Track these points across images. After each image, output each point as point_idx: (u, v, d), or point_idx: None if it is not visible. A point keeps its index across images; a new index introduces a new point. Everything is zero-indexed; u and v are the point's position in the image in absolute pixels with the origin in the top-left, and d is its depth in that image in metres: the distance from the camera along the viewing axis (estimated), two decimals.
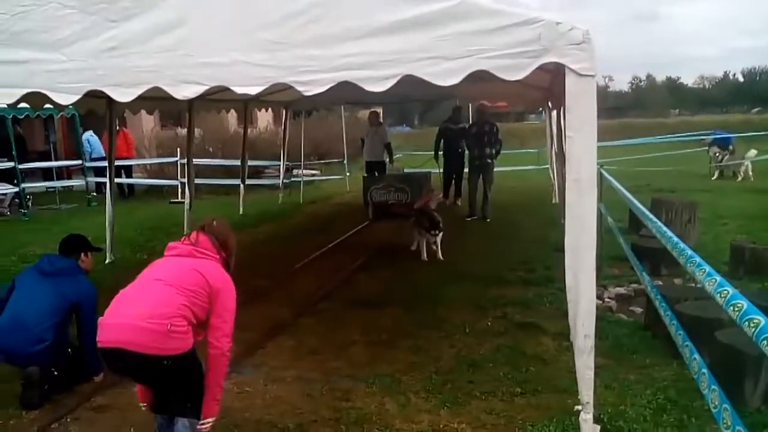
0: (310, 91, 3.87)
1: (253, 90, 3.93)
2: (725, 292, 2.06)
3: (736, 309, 1.92)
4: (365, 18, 3.74)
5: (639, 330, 5.67)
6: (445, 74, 3.70)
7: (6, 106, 7.97)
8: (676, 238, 2.99)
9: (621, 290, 7.01)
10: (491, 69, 3.66)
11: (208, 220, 3.80)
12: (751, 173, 17.29)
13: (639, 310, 6.25)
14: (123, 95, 4.05)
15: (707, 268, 2.38)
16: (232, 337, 3.44)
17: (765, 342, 1.71)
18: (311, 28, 3.80)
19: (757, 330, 1.75)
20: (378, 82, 3.79)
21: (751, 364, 4.07)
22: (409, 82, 3.70)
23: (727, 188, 15.51)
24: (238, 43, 3.87)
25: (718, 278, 2.20)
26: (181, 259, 3.55)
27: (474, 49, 3.65)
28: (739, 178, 17.24)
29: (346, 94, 4.42)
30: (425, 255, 8.56)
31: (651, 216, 3.89)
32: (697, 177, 17.92)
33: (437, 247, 8.60)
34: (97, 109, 8.19)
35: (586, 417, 3.66)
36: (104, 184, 15.48)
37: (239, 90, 3.95)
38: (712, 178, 17.72)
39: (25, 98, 4.26)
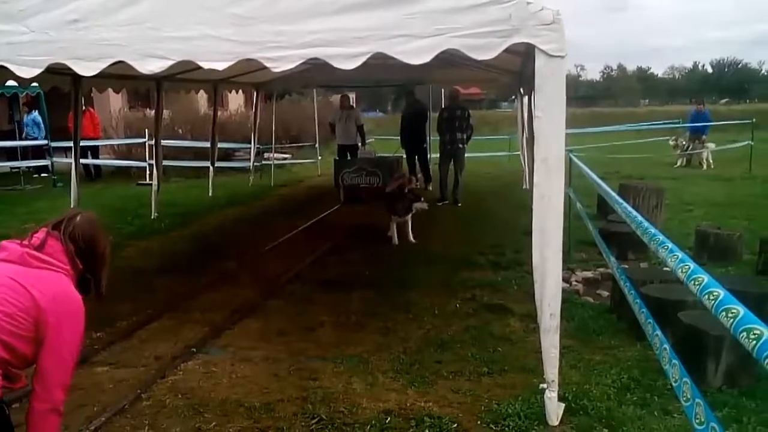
0: (278, 67, 3.81)
1: (221, 65, 3.86)
2: (700, 278, 2.06)
3: (712, 297, 1.90)
4: None
5: (605, 313, 5.75)
6: (415, 52, 3.67)
7: None
8: (646, 224, 3.02)
9: (588, 274, 7.09)
10: (461, 48, 3.64)
11: (70, 214, 2.66)
12: (711, 162, 17.67)
13: (605, 293, 6.34)
14: (86, 69, 3.95)
15: (680, 254, 2.40)
16: (67, 387, 2.45)
17: (744, 333, 1.71)
18: (281, 4, 3.74)
19: (736, 321, 1.74)
20: (347, 60, 3.75)
21: (713, 344, 4.15)
22: (381, 65, 3.67)
23: (693, 176, 15.79)
24: (205, 18, 3.79)
25: (692, 265, 2.21)
26: (4, 266, 2.43)
27: (444, 28, 3.63)
28: (704, 167, 17.59)
29: (319, 77, 4.36)
30: (396, 239, 8.55)
31: (620, 200, 3.93)
32: (664, 165, 18.19)
33: (408, 229, 8.59)
34: (62, 86, 7.98)
35: (551, 395, 3.70)
36: (49, 165, 15.35)
37: (206, 65, 3.88)
38: (674, 166, 18.04)
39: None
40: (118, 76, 7.66)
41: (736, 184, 14.07)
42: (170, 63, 3.88)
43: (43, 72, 4.15)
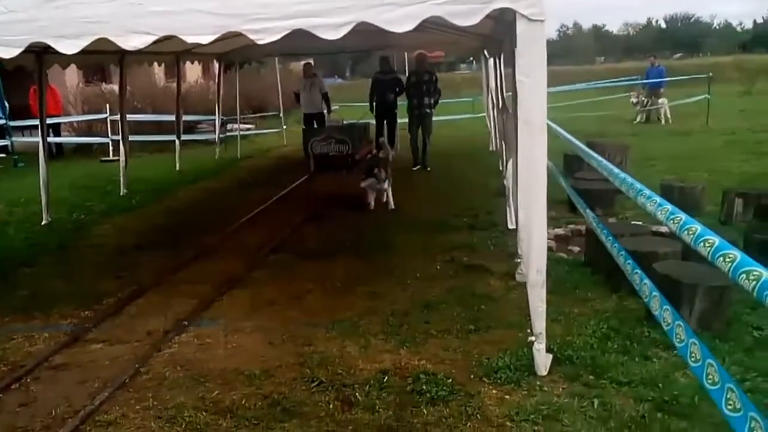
0: (262, 39, 3.83)
1: (205, 39, 3.87)
2: (693, 229, 2.20)
3: (707, 244, 2.03)
4: None
5: (579, 267, 5.97)
6: (399, 20, 3.73)
7: None
8: (630, 179, 3.17)
9: (559, 231, 7.30)
10: (444, 15, 3.71)
11: None
12: (669, 116, 18.09)
13: (577, 249, 6.56)
14: (68, 47, 3.92)
15: (669, 206, 2.54)
16: None
17: (744, 276, 1.83)
18: None
19: (734, 265, 1.87)
20: (332, 30, 3.79)
21: (686, 292, 4.38)
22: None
23: (653, 131, 16.17)
24: None
25: (684, 216, 2.34)
26: None
27: None
28: (663, 122, 18.00)
29: (281, 45, 4.31)
30: (372, 204, 8.65)
31: (599, 158, 4.07)
32: (624, 122, 18.57)
33: (388, 195, 8.71)
34: (26, 65, 7.78)
35: (539, 347, 3.89)
36: (6, 146, 14.96)
37: (190, 39, 3.88)
38: (634, 123, 18.41)
39: None
40: (82, 51, 7.51)
41: (694, 138, 14.48)
42: (153, 38, 3.88)
43: None
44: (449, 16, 3.71)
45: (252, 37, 3.84)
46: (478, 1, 3.67)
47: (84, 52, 4.69)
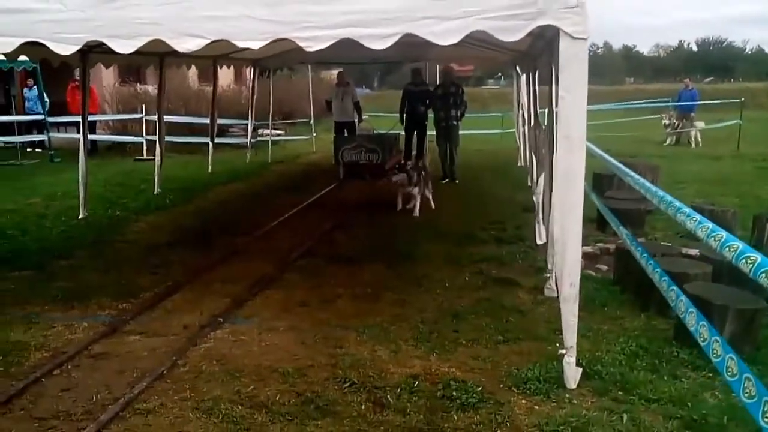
0: (311, 47, 3.94)
1: (256, 45, 3.99)
2: (735, 246, 2.25)
3: (750, 261, 2.08)
4: None
5: (608, 285, 5.99)
6: (444, 33, 3.83)
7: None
8: (669, 197, 3.21)
9: (588, 249, 7.30)
10: (488, 30, 3.80)
11: None
12: (700, 140, 17.98)
13: (605, 267, 6.59)
14: (123, 47, 4.06)
15: (710, 224, 2.59)
16: None
17: None
18: None
19: None
20: (378, 40, 3.89)
21: (717, 313, 4.38)
22: None
23: (682, 154, 16.08)
24: None
25: (725, 234, 2.39)
26: None
27: (472, 10, 3.79)
28: (693, 145, 17.90)
29: (315, 52, 4.43)
30: (400, 205, 9.05)
31: (638, 177, 4.12)
32: (654, 143, 18.50)
33: (416, 204, 8.99)
34: (53, 60, 7.97)
35: (570, 360, 3.93)
36: (44, 141, 15.35)
37: (241, 44, 4.01)
38: (664, 144, 18.33)
39: (22, 48, 4.22)
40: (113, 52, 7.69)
41: (725, 163, 14.39)
42: (206, 42, 4.00)
43: (35, 45, 4.23)
44: (493, 30, 3.80)
45: (301, 44, 3.95)
46: (522, 18, 3.75)
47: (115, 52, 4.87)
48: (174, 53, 10.08)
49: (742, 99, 18.49)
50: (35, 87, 15.74)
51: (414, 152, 13.78)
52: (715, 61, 70.48)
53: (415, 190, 8.90)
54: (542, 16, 3.73)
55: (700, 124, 18.32)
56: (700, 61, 72.89)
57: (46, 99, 15.50)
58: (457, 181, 11.72)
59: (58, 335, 4.77)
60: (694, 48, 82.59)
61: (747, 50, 79.73)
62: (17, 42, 4.13)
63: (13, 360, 4.32)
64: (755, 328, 4.45)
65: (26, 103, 15.96)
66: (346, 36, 3.90)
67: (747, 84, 44.68)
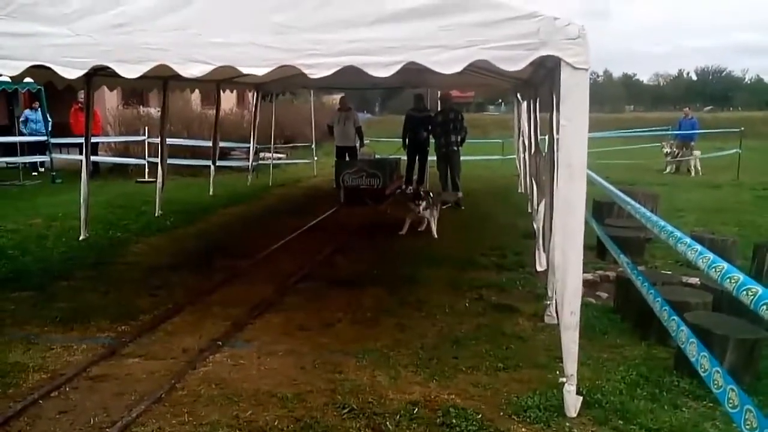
0: (315, 74, 4.00)
1: (261, 71, 4.04)
2: (736, 278, 2.26)
3: (751, 293, 2.10)
4: (373, 5, 3.89)
5: (608, 313, 5.98)
6: (448, 63, 3.88)
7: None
8: (670, 227, 3.24)
9: (588, 276, 7.29)
10: (491, 59, 3.86)
11: None
12: (700, 169, 18.06)
13: (605, 295, 6.59)
14: (129, 71, 4.11)
15: (711, 255, 2.61)
16: None
17: None
18: (320, 14, 3.93)
19: None
20: (382, 68, 3.95)
21: (717, 343, 4.37)
22: None
23: (682, 183, 16.14)
24: (248, 24, 3.97)
25: (726, 265, 2.41)
26: None
27: (475, 40, 3.85)
28: (692, 174, 17.97)
29: (320, 78, 4.51)
30: (405, 230, 9.19)
31: (638, 206, 4.15)
32: (653, 171, 18.58)
33: (431, 224, 9.27)
34: (57, 83, 8.04)
35: (570, 389, 3.92)
36: (39, 163, 15.42)
37: (247, 70, 4.06)
38: (664, 173, 18.40)
39: (28, 71, 4.28)
40: (115, 75, 7.76)
41: (724, 191, 14.43)
42: (211, 68, 4.06)
43: (41, 68, 4.28)
44: (496, 60, 3.85)
45: (306, 71, 4.00)
46: (524, 48, 3.80)
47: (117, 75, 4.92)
48: (178, 77, 10.30)
49: (742, 128, 18.60)
50: (39, 109, 15.86)
51: (415, 177, 13.88)
52: (714, 90, 71.08)
53: (427, 212, 9.17)
54: (544, 46, 3.78)
55: (697, 153, 18.42)
56: (699, 90, 73.45)
57: (49, 119, 15.59)
58: (462, 208, 11.74)
59: (56, 357, 4.75)
60: (694, 77, 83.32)
61: (746, 79, 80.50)
62: (24, 66, 4.19)
63: (11, 381, 4.31)
64: (755, 358, 4.44)
65: (30, 125, 16.04)
66: (350, 63, 3.96)
67: (746, 113, 45.03)
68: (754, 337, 4.41)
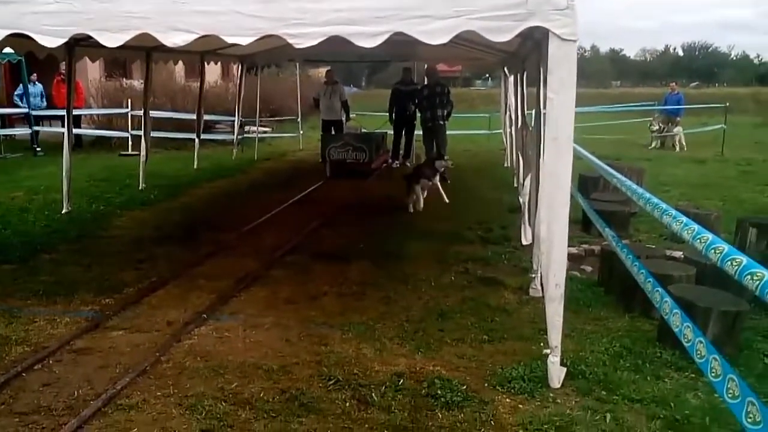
0: (300, 44, 3.93)
1: (245, 40, 3.97)
2: (720, 248, 2.27)
3: (735, 264, 2.10)
4: None
5: (592, 286, 6.02)
6: (434, 33, 3.83)
7: None
8: (655, 199, 3.24)
9: (572, 250, 7.32)
10: (478, 30, 3.81)
11: None
12: (684, 144, 18.12)
13: (589, 268, 6.62)
14: (110, 40, 4.03)
15: (695, 226, 2.61)
16: None
17: None
18: None
19: (762, 283, 1.94)
20: (368, 38, 3.89)
21: (700, 315, 4.42)
22: None
23: (667, 158, 16.20)
24: None
25: (711, 236, 2.42)
26: None
27: (462, 10, 3.79)
28: (677, 149, 18.04)
29: (306, 50, 4.43)
30: (418, 206, 9.24)
31: (623, 178, 4.15)
32: (638, 146, 18.62)
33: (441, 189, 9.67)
34: (38, 53, 7.89)
35: (554, 360, 3.95)
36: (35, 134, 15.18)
37: (230, 39, 3.98)
38: (649, 148, 18.45)
39: (7, 40, 4.17)
40: (98, 45, 7.62)
41: (709, 166, 14.52)
42: (194, 37, 3.98)
43: (20, 37, 4.19)
44: (483, 31, 3.81)
45: (290, 41, 3.94)
46: (512, 19, 3.76)
47: (101, 46, 4.81)
48: (161, 48, 10.13)
49: (727, 104, 18.67)
50: (38, 83, 15.60)
51: (401, 152, 13.84)
52: (700, 66, 71.21)
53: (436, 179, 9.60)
54: (532, 17, 3.74)
55: (677, 129, 18.42)
56: (686, 66, 73.57)
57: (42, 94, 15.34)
58: (448, 181, 11.72)
59: (40, 330, 4.72)
60: (680, 53, 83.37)
61: (732, 56, 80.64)
62: (3, 33, 4.08)
63: None
64: (737, 330, 4.50)
65: (32, 99, 15.73)
66: (336, 33, 3.89)
67: (732, 89, 45.17)
68: (737, 309, 4.46)
